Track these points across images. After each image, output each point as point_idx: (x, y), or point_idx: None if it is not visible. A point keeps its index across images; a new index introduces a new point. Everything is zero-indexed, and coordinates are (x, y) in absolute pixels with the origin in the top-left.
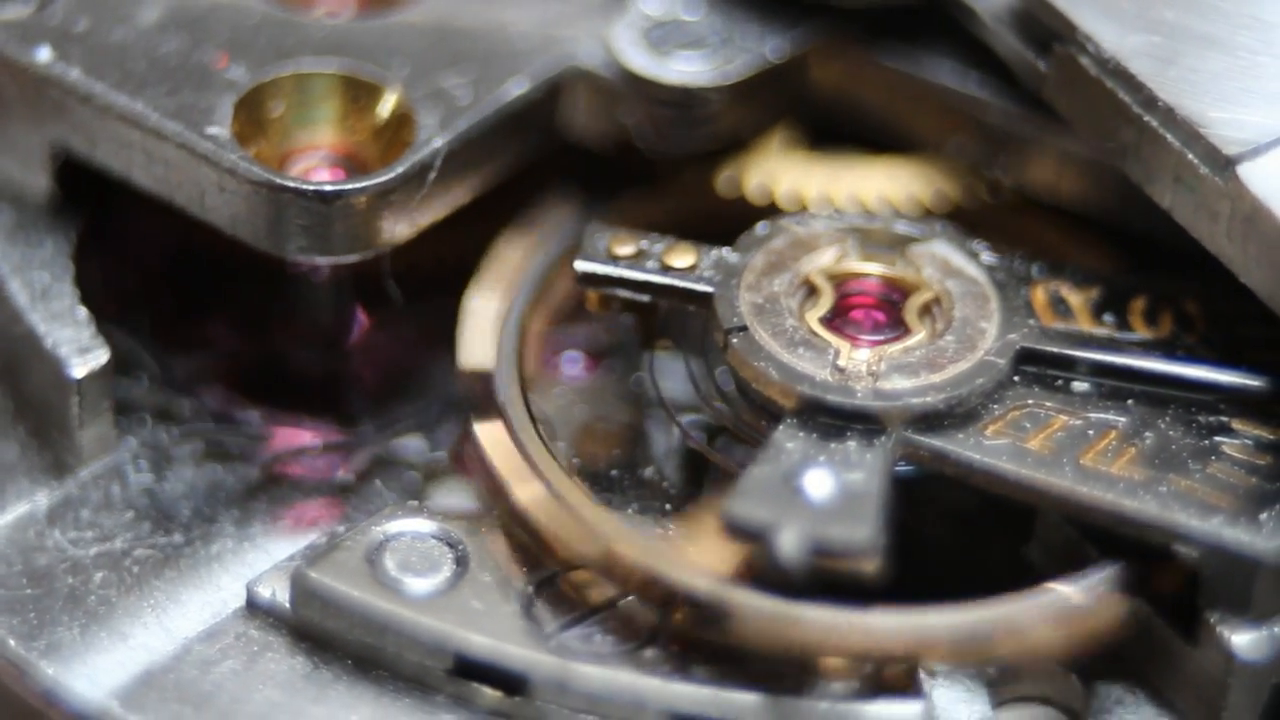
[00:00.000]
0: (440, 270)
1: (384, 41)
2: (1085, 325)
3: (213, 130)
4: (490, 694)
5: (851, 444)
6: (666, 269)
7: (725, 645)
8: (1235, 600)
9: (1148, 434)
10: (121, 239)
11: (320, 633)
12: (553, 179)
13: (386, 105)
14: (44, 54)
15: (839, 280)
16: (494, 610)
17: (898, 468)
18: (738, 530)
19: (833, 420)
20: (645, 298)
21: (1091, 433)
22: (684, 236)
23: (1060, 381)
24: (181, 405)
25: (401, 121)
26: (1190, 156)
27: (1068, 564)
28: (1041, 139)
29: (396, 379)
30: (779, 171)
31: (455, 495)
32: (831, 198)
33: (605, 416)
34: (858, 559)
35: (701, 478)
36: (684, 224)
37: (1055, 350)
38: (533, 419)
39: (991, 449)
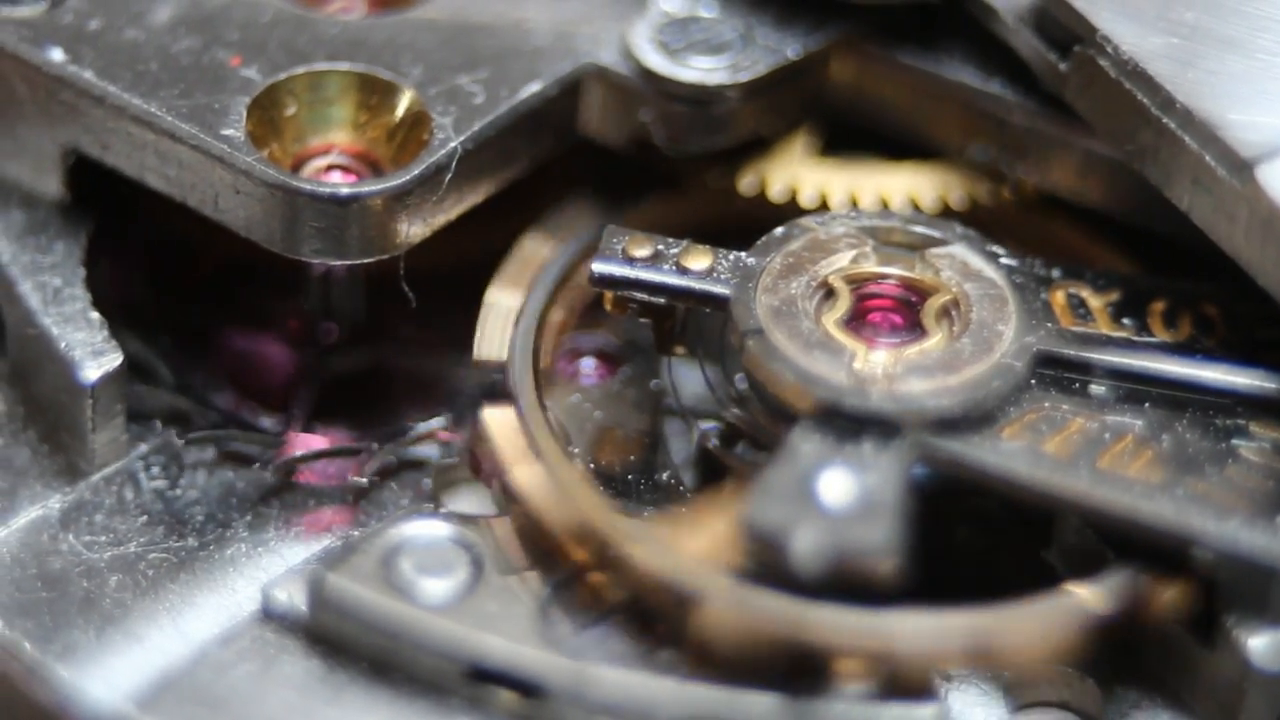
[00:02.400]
0: (457, 272)
1: (398, 40)
2: (1104, 328)
3: (227, 131)
4: (506, 697)
5: (868, 447)
6: (683, 271)
7: (741, 647)
8: (1252, 604)
9: (1165, 437)
10: (134, 241)
11: (336, 636)
12: (572, 181)
13: (401, 105)
14: (56, 54)
15: (856, 283)
16: (509, 613)
17: (914, 471)
18: (755, 533)
19: (849, 423)
20: (662, 300)
21: (1109, 436)
22: (704, 239)
23: (1078, 384)
24: (194, 409)
25: (416, 121)
26: (1208, 159)
27: (1084, 567)
28: (1063, 140)
29: (411, 382)
30: (799, 174)
31: (470, 498)
32: (851, 200)
33: (621, 420)
34: (874, 562)
35: (718, 481)
36: (704, 227)
37: (1073, 353)
38: (547, 418)
39: (1008, 452)
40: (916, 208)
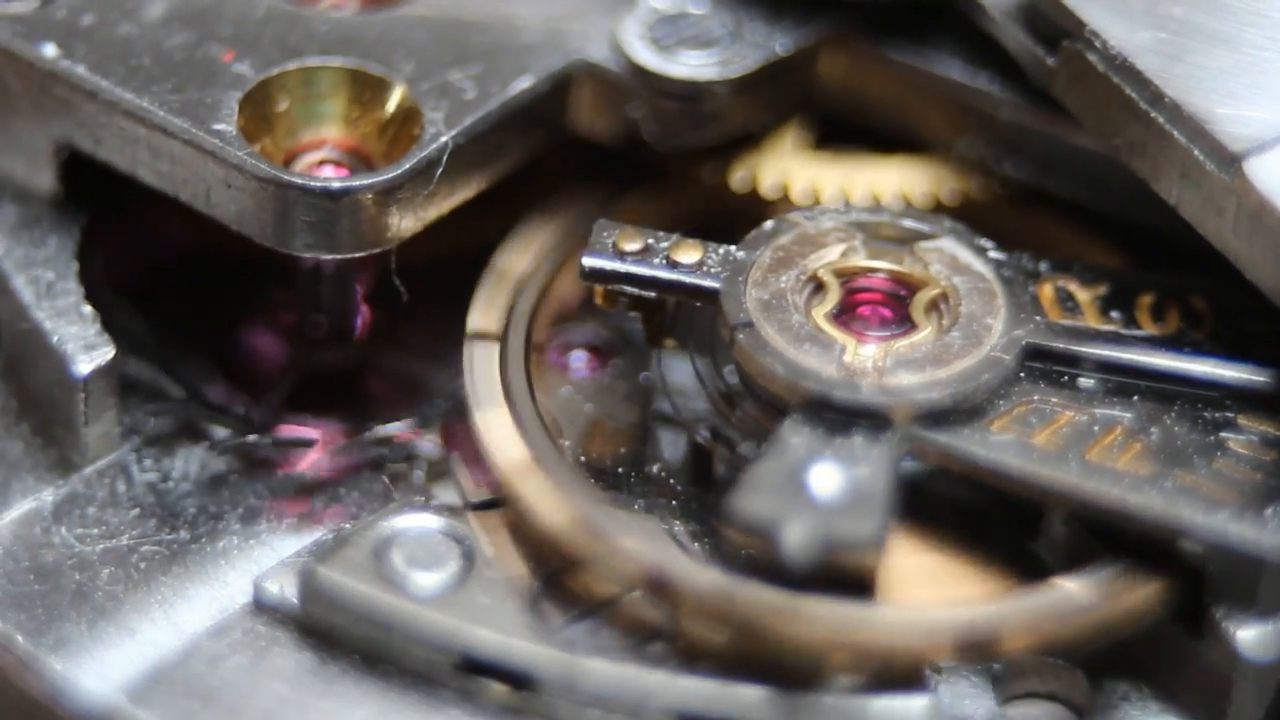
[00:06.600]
0: (447, 266)
1: (390, 36)
2: (1092, 321)
3: (219, 126)
4: (497, 689)
5: (858, 440)
6: (673, 265)
7: (732, 641)
8: (1241, 596)
9: (1154, 430)
10: (126, 235)
11: (327, 629)
12: (562, 176)
13: (393, 100)
14: (49, 50)
15: (846, 276)
16: (500, 606)
17: (904, 463)
18: (744, 526)
19: (839, 416)
20: (652, 294)
21: (1098, 429)
22: (695, 233)
23: (1067, 377)
24: (186, 402)
25: (408, 116)
26: (1197, 153)
27: (1073, 560)
28: (1050, 135)
29: (404, 375)
30: (789, 168)
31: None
32: (841, 194)
33: (612, 413)
34: (863, 555)
35: (708, 474)
36: (695, 221)
37: (1062, 346)
38: (538, 410)
39: (998, 445)
40: (906, 202)
